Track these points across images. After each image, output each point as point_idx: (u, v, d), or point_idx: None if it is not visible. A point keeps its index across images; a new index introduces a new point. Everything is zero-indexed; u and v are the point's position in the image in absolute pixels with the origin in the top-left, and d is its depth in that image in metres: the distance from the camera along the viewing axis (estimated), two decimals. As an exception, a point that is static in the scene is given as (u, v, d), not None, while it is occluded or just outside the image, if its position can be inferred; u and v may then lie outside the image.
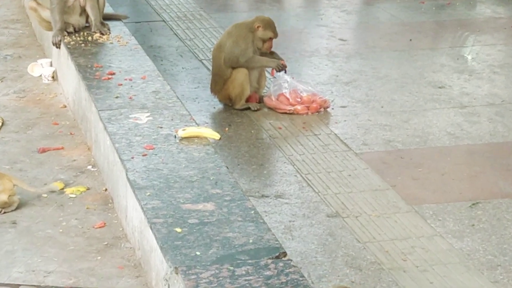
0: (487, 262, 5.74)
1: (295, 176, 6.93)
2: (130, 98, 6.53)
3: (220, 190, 5.28)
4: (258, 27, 7.94)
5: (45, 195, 5.95)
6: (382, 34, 10.37)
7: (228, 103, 8.11)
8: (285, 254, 4.60)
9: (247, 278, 4.35)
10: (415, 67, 9.20)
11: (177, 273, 4.43)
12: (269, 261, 4.49)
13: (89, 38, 7.79)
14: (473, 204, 6.44)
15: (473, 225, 6.18)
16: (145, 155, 5.70)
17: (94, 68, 7.07)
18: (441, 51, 9.75)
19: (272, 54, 8.12)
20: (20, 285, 5.04)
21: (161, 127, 6.09)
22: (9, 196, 5.71)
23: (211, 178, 5.44)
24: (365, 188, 6.73)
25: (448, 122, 7.87)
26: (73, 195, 6.00)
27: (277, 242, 4.74)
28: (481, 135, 7.66)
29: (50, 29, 8.09)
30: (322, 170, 6.97)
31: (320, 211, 6.40)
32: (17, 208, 5.79)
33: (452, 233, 6.07)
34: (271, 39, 7.96)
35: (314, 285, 4.45)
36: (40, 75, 7.99)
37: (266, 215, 5.28)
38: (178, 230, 4.79)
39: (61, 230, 5.60)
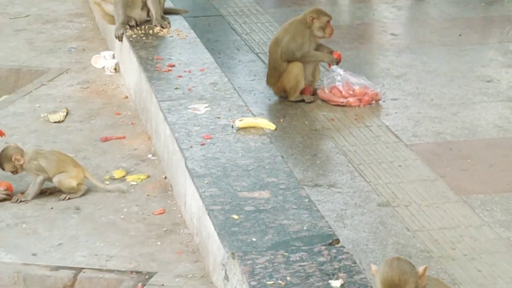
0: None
1: (347, 166, 6.92)
2: (189, 89, 6.54)
3: (275, 179, 5.29)
4: (312, 19, 7.94)
5: (107, 182, 5.97)
6: (432, 29, 10.32)
7: (283, 95, 8.12)
8: (338, 241, 4.60)
9: (301, 264, 4.35)
10: (464, 61, 9.14)
11: (233, 259, 4.43)
12: (323, 247, 4.49)
13: (150, 31, 7.82)
14: (522, 195, 6.42)
15: (522, 215, 6.16)
16: (204, 144, 5.71)
17: (154, 61, 7.09)
18: (490, 46, 9.69)
19: (328, 49, 8.11)
20: (83, 268, 5.08)
21: (218, 118, 6.09)
22: (78, 184, 5.76)
23: (267, 167, 5.45)
24: (415, 179, 6.71)
25: (496, 115, 7.83)
26: (134, 183, 6.04)
27: (330, 230, 4.74)
28: (530, 129, 7.63)
29: (113, 22, 8.12)
30: (373, 160, 6.96)
31: (371, 200, 6.39)
32: (81, 196, 5.81)
33: (500, 223, 6.04)
34: (328, 22, 7.95)
35: (365, 272, 4.42)
36: (103, 67, 8.03)
37: (319, 204, 5.26)
38: (235, 217, 4.80)
39: (122, 216, 5.64)
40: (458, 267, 5.50)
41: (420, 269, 3.32)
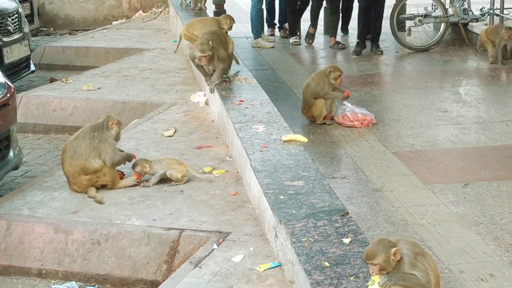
0: (473, 221, 5.64)
1: (353, 165, 6.87)
2: (253, 116, 6.55)
3: (307, 173, 5.26)
4: (330, 72, 7.93)
5: (201, 174, 5.97)
6: (407, 78, 10.27)
7: (312, 120, 8.08)
8: (347, 213, 4.59)
9: (324, 228, 4.37)
10: (429, 99, 9.09)
11: (281, 224, 4.44)
12: (338, 217, 4.49)
13: (227, 79, 7.83)
14: (465, 184, 6.33)
15: (465, 197, 6.08)
16: (262, 151, 5.70)
17: (231, 97, 7.12)
18: (445, 89, 9.61)
19: (340, 90, 8.07)
20: (185, 229, 5.09)
21: (271, 134, 6.09)
22: (182, 176, 5.78)
23: (302, 166, 5.42)
24: (397, 173, 6.65)
25: (449, 133, 7.74)
26: (218, 175, 6.04)
27: (342, 206, 4.73)
28: (470, 142, 7.52)
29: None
30: (370, 162, 6.91)
31: (369, 187, 6.35)
32: (184, 183, 5.82)
33: (451, 203, 5.98)
34: (339, 75, 7.92)
35: (365, 233, 4.40)
36: (198, 102, 8.02)
37: (335, 189, 5.24)
38: (282, 197, 4.79)
39: (210, 196, 5.64)
40: (424, 231, 5.47)
41: (393, 250, 3.29)
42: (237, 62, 8.83)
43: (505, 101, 8.99)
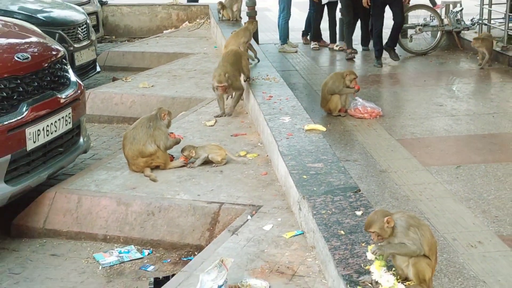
0: (464, 197, 5.62)
1: (364, 150, 6.87)
2: (280, 109, 6.51)
3: (326, 157, 5.21)
4: (346, 75, 7.90)
5: (235, 159, 5.96)
6: (409, 78, 10.22)
7: (329, 112, 8.07)
8: (359, 190, 4.56)
9: (340, 202, 4.35)
10: (427, 95, 9.05)
11: (304, 199, 4.43)
12: (352, 193, 4.47)
13: (258, 79, 7.88)
14: (457, 166, 6.31)
15: (457, 177, 6.06)
16: (288, 138, 5.66)
17: (262, 93, 7.09)
18: (441, 87, 9.57)
19: (354, 87, 8.04)
20: (224, 203, 5.09)
21: (295, 124, 6.05)
22: (221, 159, 5.79)
23: (321, 150, 5.37)
24: (400, 157, 6.63)
25: (444, 124, 7.71)
26: (251, 158, 6.01)
27: (355, 184, 4.70)
28: (462, 131, 7.50)
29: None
30: (378, 147, 6.94)
31: (376, 169, 6.34)
32: (223, 165, 5.82)
33: (446, 182, 5.97)
34: (355, 79, 7.90)
35: (374, 207, 4.37)
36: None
37: (349, 170, 5.19)
38: (305, 176, 4.77)
39: (244, 176, 5.61)
40: (423, 205, 5.47)
41: (385, 218, 3.25)
42: (254, 59, 8.79)
43: (491, 97, 8.96)
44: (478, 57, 10.50)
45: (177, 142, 5.92)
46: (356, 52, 11.61)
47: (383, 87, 9.62)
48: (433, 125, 7.68)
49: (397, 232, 3.28)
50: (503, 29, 11.35)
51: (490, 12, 11.89)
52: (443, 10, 12.32)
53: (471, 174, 6.14)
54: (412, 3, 12.40)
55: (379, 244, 3.34)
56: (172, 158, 5.96)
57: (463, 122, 7.77)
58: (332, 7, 12.20)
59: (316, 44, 12.31)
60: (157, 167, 5.78)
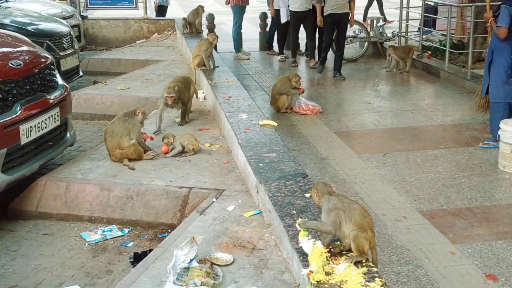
0: (391, 179, 5.66)
1: (307, 141, 6.84)
2: (238, 107, 6.45)
3: (278, 148, 5.16)
4: (292, 77, 7.85)
5: (203, 149, 5.85)
6: (343, 80, 10.15)
7: (277, 110, 7.99)
8: (307, 175, 4.53)
9: (291, 186, 4.32)
10: (357, 94, 9.11)
11: (261, 183, 4.37)
12: (301, 179, 4.43)
13: (219, 81, 7.75)
14: (384, 154, 6.34)
15: (384, 163, 6.09)
16: (245, 132, 5.59)
17: (222, 94, 7.00)
18: (369, 88, 9.62)
19: (298, 89, 7.99)
20: (192, 187, 4.99)
21: (251, 120, 5.99)
22: (193, 148, 5.70)
23: (274, 142, 5.32)
24: (337, 147, 6.62)
25: (372, 118, 7.74)
26: (214, 149, 5.93)
27: (303, 170, 4.66)
28: (387, 124, 7.54)
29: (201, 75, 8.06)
30: (318, 139, 6.89)
31: (318, 157, 6.32)
32: (191, 155, 5.72)
33: (375, 167, 5.99)
34: (299, 80, 7.91)
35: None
36: (199, 98, 7.82)
37: (297, 158, 5.13)
38: (261, 165, 4.72)
39: (209, 164, 5.52)
40: (357, 186, 5.48)
41: (312, 191, 3.49)
42: (214, 67, 8.61)
43: (410, 96, 9.03)
44: (387, 63, 10.67)
45: (142, 144, 5.77)
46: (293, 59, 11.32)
47: (322, 89, 9.57)
48: (363, 120, 7.69)
49: (323, 210, 3.36)
50: (418, 40, 11.53)
51: (407, 26, 12.02)
52: (369, 24, 12.45)
53: (395, 160, 6.16)
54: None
55: (306, 219, 3.61)
56: (147, 151, 5.79)
57: (387, 117, 7.81)
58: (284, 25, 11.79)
59: (282, 56, 11.97)
60: (133, 159, 5.63)
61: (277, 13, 11.70)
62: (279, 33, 12.07)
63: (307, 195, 4.07)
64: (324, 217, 3.33)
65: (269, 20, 12.62)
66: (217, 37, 8.81)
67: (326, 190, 3.40)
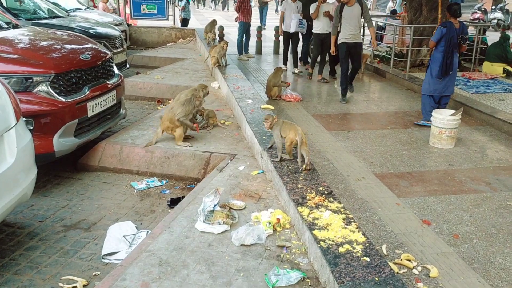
0: (353, 150, 5.52)
1: (291, 120, 6.60)
2: (245, 95, 6.29)
3: (275, 125, 5.05)
4: (282, 72, 7.60)
5: (220, 125, 5.70)
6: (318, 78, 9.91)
7: (270, 97, 7.73)
8: (297, 146, 4.38)
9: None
10: (328, 89, 8.84)
11: (264, 150, 4.24)
12: (293, 148, 4.24)
13: (229, 76, 7.52)
14: (348, 132, 6.20)
15: (348, 138, 5.96)
16: (251, 113, 5.44)
17: (233, 85, 6.82)
18: (336, 84, 9.36)
19: (285, 82, 7.78)
20: (212, 152, 4.85)
21: (255, 104, 5.84)
22: (212, 122, 5.54)
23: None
24: (313, 125, 6.44)
25: (339, 106, 7.56)
26: (228, 124, 5.78)
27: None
28: (349, 110, 7.33)
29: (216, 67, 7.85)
30: (299, 119, 6.71)
31: (312, 148, 6.17)
32: (212, 128, 5.55)
33: (341, 141, 5.83)
34: (284, 72, 7.61)
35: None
36: (214, 86, 7.65)
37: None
38: (264, 137, 4.58)
39: (224, 135, 5.38)
40: (328, 155, 5.39)
41: (269, 117, 4.04)
42: (225, 64, 8.39)
43: (364, 90, 8.81)
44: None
45: (192, 128, 5.10)
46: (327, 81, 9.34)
47: (301, 84, 9.34)
48: (332, 107, 7.51)
49: (273, 130, 3.99)
50: (371, 50, 11.32)
51: (363, 39, 11.73)
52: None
53: (355, 136, 6.04)
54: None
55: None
56: (187, 138, 5.18)
57: (349, 105, 7.66)
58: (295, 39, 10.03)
59: (284, 67, 10.51)
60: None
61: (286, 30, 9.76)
62: (292, 45, 10.06)
63: (299, 160, 3.96)
64: (274, 135, 3.99)
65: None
66: (227, 43, 8.61)
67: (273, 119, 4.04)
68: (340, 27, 7.77)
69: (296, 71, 9.91)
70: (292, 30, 9.63)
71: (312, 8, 8.91)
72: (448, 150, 5.60)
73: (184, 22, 15.29)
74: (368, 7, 8.95)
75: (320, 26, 9.05)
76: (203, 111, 5.53)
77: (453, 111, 5.78)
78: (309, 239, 2.75)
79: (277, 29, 12.32)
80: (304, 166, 3.78)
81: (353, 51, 8.00)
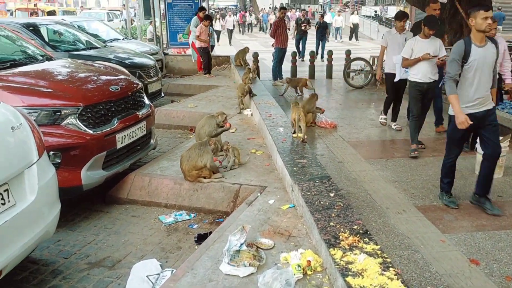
0: (392, 180, 5.24)
1: (327, 148, 6.42)
2: (277, 123, 6.13)
3: (307, 155, 4.79)
4: (315, 99, 7.40)
5: (248, 156, 5.54)
6: (353, 102, 9.67)
7: (309, 125, 7.51)
8: (331, 178, 4.14)
9: (319, 186, 3.95)
10: (364, 113, 8.62)
11: (295, 183, 4.02)
12: (326, 181, 4.05)
13: (260, 104, 7.41)
14: (386, 160, 5.91)
15: (386, 167, 5.67)
16: (283, 142, 5.25)
17: (265, 112, 6.69)
18: (371, 108, 9.10)
19: (320, 108, 7.60)
20: (242, 184, 4.69)
21: (287, 133, 5.65)
22: (239, 161, 5.24)
23: (304, 150, 4.96)
24: (350, 153, 6.19)
25: (376, 132, 7.28)
26: (259, 154, 5.62)
27: (328, 174, 4.27)
28: (387, 137, 7.05)
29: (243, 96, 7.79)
30: (335, 146, 6.48)
31: (335, 160, 5.91)
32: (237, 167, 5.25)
33: (379, 169, 5.55)
34: (317, 99, 7.41)
35: (340, 190, 3.96)
36: (247, 114, 7.58)
37: (320, 161, 4.75)
38: (295, 169, 4.36)
39: (255, 166, 5.22)
40: (366, 184, 5.17)
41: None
42: (254, 95, 8.08)
43: (403, 115, 8.51)
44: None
45: (215, 168, 4.93)
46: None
47: (337, 109, 9.13)
48: (369, 133, 7.25)
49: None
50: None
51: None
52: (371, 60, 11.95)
53: (395, 165, 5.74)
54: (353, 56, 12.05)
55: None
56: (216, 173, 5.01)
57: (386, 131, 7.35)
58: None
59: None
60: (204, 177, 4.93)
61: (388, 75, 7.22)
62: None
63: (332, 194, 3.71)
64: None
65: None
66: (254, 67, 8.62)
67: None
68: (460, 81, 4.23)
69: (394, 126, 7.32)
70: (397, 77, 6.82)
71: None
72: (496, 179, 5.15)
73: (211, 49, 15.54)
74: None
75: (420, 72, 5.84)
76: (228, 146, 5.17)
77: (500, 138, 5.34)
78: (342, 286, 2.49)
79: (312, 53, 12.25)
80: (297, 134, 4.89)
81: (427, 93, 5.68)
